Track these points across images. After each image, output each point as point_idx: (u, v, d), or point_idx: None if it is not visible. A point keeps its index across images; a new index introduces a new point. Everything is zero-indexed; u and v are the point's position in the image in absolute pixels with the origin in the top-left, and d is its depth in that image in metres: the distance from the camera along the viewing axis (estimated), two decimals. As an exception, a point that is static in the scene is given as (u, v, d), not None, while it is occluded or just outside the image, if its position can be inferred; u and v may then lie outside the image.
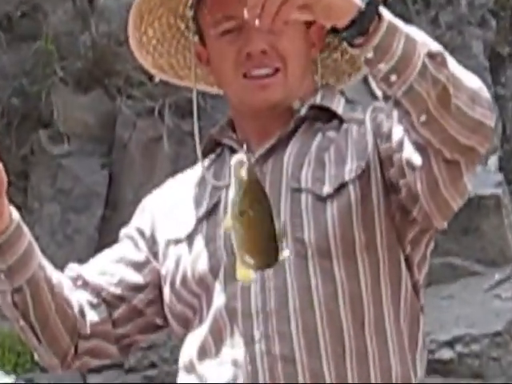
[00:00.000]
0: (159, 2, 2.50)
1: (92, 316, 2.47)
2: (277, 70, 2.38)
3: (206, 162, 2.55)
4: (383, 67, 2.09)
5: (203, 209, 2.45)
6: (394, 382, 2.32)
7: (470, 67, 7.98)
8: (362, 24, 2.05)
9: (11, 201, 2.36)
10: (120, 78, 9.02)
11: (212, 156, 2.56)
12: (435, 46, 2.14)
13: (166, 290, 2.44)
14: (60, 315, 2.42)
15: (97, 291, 2.49)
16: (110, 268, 2.53)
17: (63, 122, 8.91)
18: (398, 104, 2.18)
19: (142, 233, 2.55)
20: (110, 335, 2.49)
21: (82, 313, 2.46)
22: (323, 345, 2.28)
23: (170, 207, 2.54)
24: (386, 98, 2.18)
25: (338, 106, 2.48)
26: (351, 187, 2.33)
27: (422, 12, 10.37)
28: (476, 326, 8.66)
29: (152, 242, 2.52)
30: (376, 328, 2.31)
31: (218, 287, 2.34)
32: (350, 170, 2.34)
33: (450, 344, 8.65)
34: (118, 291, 2.49)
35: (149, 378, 8.55)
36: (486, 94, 2.22)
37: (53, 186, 8.74)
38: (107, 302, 2.49)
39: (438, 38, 7.35)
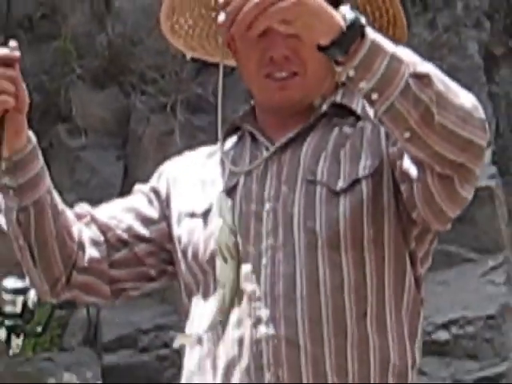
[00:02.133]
0: None
1: (91, 252, 2.46)
2: (295, 74, 2.37)
3: (226, 145, 2.52)
4: (364, 86, 2.09)
5: (221, 189, 2.41)
6: (391, 370, 2.33)
7: (466, 67, 8.22)
8: (343, 45, 2.05)
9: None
10: (134, 76, 9.08)
11: (232, 140, 2.54)
12: (424, 67, 2.13)
13: (179, 256, 2.45)
14: (58, 242, 2.40)
15: (102, 230, 2.49)
16: (120, 214, 2.53)
17: (81, 116, 9.01)
18: (380, 121, 2.20)
19: (157, 193, 2.53)
20: (105, 274, 2.47)
21: (81, 246, 2.45)
22: (326, 332, 2.26)
23: (186, 179, 2.51)
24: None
25: (358, 104, 2.47)
26: (364, 184, 2.33)
27: (420, 14, 10.12)
28: (470, 310, 8.79)
29: (166, 205, 2.51)
30: (378, 319, 2.32)
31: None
32: (364, 167, 2.34)
33: (446, 326, 8.79)
34: (123, 235, 2.49)
35: (161, 358, 8.61)
36: (479, 114, 2.19)
37: (71, 177, 8.80)
38: (110, 243, 2.48)
39: (435, 40, 8.40)
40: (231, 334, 2.31)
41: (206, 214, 2.41)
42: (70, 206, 2.49)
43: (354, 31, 2.05)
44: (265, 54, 2.37)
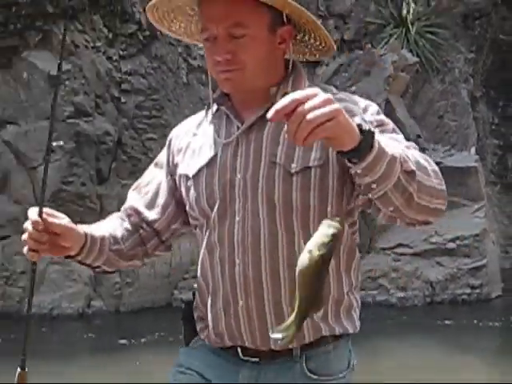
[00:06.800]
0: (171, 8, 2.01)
1: (151, 244, 2.15)
2: (236, 69, 1.92)
3: (210, 116, 2.08)
4: (367, 179, 1.68)
5: (205, 158, 2.02)
6: (330, 300, 1.97)
7: (461, 103, 10.46)
8: (358, 152, 1.63)
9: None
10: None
11: (212, 113, 2.08)
12: (410, 164, 1.72)
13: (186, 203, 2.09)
14: (129, 259, 2.14)
15: (148, 224, 2.13)
16: (160, 202, 2.13)
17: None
18: (371, 200, 1.81)
19: (168, 163, 2.13)
20: (163, 245, 2.17)
21: (143, 243, 2.15)
22: (282, 273, 1.93)
23: (183, 149, 2.09)
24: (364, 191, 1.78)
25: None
26: (313, 171, 1.91)
27: (435, 76, 10.14)
28: (466, 230, 8.99)
29: (174, 170, 2.11)
30: None
31: (213, 219, 1.99)
32: (314, 159, 1.90)
33: (453, 240, 8.92)
34: (163, 223, 2.13)
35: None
36: (442, 185, 1.82)
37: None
38: (157, 231, 2.13)
39: (444, 89, 9.18)
40: (215, 270, 2.00)
41: (194, 177, 2.03)
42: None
43: (367, 142, 1.62)
44: (214, 57, 1.94)
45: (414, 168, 1.71)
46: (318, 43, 2.01)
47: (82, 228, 2.01)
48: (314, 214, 1.92)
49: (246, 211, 1.95)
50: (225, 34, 1.89)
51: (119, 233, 2.12)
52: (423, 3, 10.23)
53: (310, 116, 1.50)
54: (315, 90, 1.53)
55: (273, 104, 1.73)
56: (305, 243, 1.71)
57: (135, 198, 2.16)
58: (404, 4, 10.06)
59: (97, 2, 8.60)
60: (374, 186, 1.69)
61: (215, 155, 2.00)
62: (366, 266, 8.79)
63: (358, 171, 1.66)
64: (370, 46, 9.87)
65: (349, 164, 1.67)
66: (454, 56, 10.33)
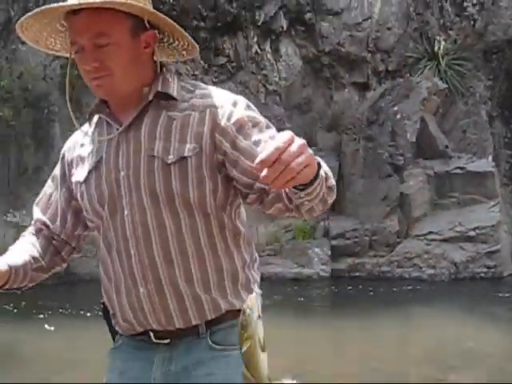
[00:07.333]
0: (41, 28, 1.97)
1: (66, 251, 2.16)
2: (105, 76, 1.89)
3: (93, 126, 2.06)
4: (305, 199, 1.69)
5: (92, 163, 2.01)
6: (225, 273, 1.98)
7: (480, 121, 11.52)
8: (308, 185, 1.63)
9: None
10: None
11: (95, 121, 2.07)
12: (331, 181, 1.77)
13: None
14: (50, 269, 2.14)
15: (57, 234, 2.14)
16: (59, 214, 2.13)
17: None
18: (297, 210, 1.80)
19: (63, 175, 2.12)
20: (75, 250, 2.17)
21: (57, 252, 2.15)
22: (174, 256, 1.92)
23: (74, 159, 2.08)
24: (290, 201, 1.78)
25: (174, 88, 1.96)
26: (189, 161, 1.90)
27: (459, 101, 10.94)
28: (484, 222, 9.70)
29: (69, 180, 2.10)
30: (209, 243, 1.95)
31: (105, 217, 1.99)
32: (189, 149, 1.90)
33: (474, 229, 9.65)
34: (70, 231, 2.14)
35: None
36: (334, 183, 1.80)
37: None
38: (66, 238, 2.15)
39: (467, 110, 10.24)
40: (115, 265, 1.99)
41: (86, 181, 2.01)
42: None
43: (317, 173, 1.63)
44: (83, 67, 1.90)
45: (334, 183, 1.78)
46: (182, 44, 2.03)
47: (6, 262, 2.01)
48: (194, 201, 1.90)
49: (133, 205, 1.93)
50: (90, 44, 1.87)
51: (37, 252, 2.11)
52: (451, 41, 11.24)
53: (292, 165, 1.48)
54: (289, 134, 1.51)
55: (146, 104, 1.89)
56: (191, 228, 1.86)
57: (40, 213, 2.17)
58: (436, 42, 11.04)
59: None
60: (306, 203, 1.72)
61: (100, 158, 1.99)
62: (403, 249, 10.01)
63: (302, 195, 1.68)
64: (408, 75, 10.78)
65: (294, 190, 1.67)
66: (475, 83, 11.17)
